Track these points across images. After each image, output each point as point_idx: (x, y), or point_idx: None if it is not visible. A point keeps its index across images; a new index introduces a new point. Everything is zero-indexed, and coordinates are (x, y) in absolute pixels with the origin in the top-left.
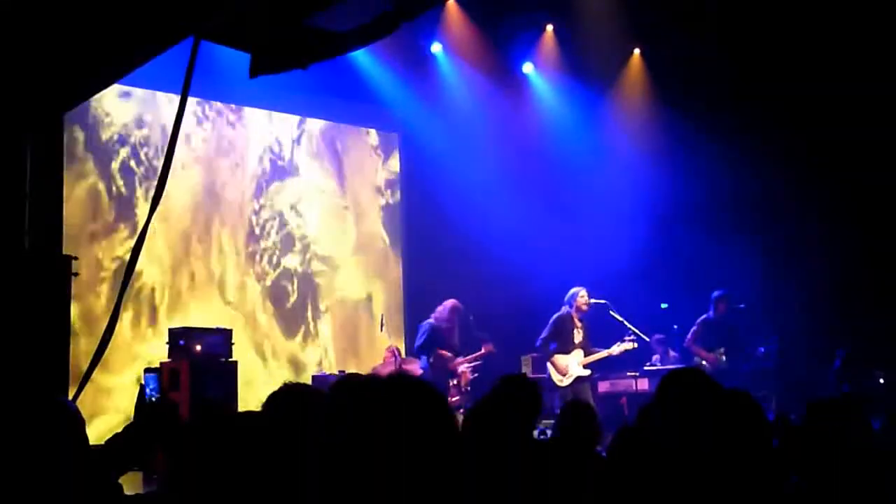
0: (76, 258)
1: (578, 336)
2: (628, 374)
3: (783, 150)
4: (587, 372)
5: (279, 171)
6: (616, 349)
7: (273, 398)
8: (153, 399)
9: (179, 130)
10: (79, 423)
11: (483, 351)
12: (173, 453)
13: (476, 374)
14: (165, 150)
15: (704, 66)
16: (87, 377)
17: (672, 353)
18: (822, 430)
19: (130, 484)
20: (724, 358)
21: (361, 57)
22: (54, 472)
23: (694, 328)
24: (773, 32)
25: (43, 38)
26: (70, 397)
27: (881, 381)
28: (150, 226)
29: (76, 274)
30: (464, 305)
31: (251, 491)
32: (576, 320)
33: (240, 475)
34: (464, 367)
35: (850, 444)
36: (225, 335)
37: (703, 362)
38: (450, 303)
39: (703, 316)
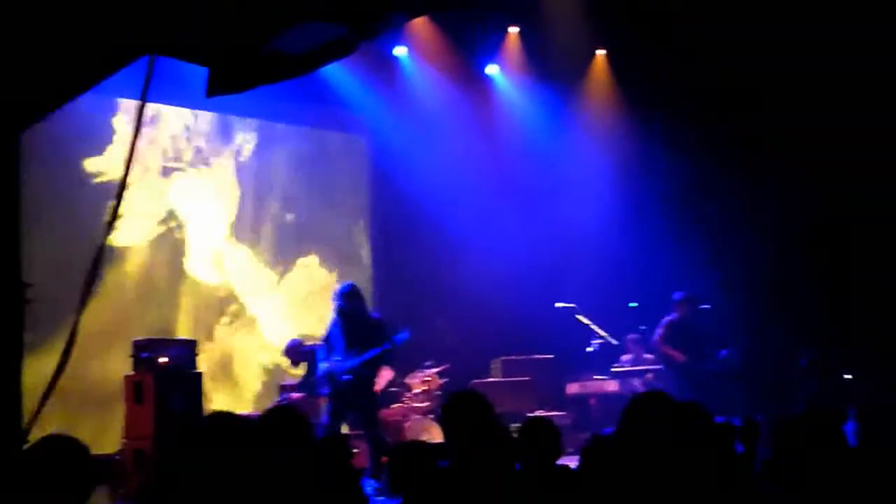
0: (31, 284)
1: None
2: (595, 377)
3: (748, 149)
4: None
5: (242, 174)
6: None
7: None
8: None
9: (137, 144)
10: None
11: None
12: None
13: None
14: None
15: (668, 67)
16: (43, 401)
17: (646, 355)
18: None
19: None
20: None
21: None
22: None
23: (660, 330)
24: (734, 33)
25: None
26: (25, 422)
27: (848, 376)
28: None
29: (30, 301)
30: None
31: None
32: None
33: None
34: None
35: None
36: (189, 346)
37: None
38: None
39: (668, 317)
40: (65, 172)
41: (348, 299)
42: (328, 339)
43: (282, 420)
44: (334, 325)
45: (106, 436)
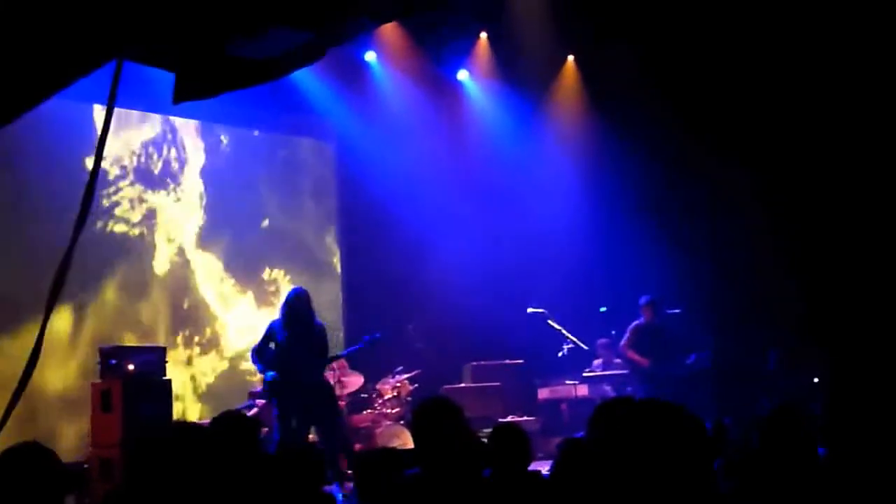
0: None
1: None
2: (566, 381)
3: (717, 153)
4: None
5: (211, 181)
6: None
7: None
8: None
9: (104, 149)
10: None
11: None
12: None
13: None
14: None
15: (636, 72)
16: (8, 412)
17: (616, 360)
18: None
19: None
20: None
21: None
22: None
23: (627, 334)
24: (702, 39)
25: None
26: None
27: (815, 380)
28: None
29: None
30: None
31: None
32: None
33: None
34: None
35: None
36: (157, 353)
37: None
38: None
39: (635, 322)
40: (62, 173)
41: (298, 304)
42: (273, 342)
43: (227, 427)
44: (278, 329)
45: (56, 445)
